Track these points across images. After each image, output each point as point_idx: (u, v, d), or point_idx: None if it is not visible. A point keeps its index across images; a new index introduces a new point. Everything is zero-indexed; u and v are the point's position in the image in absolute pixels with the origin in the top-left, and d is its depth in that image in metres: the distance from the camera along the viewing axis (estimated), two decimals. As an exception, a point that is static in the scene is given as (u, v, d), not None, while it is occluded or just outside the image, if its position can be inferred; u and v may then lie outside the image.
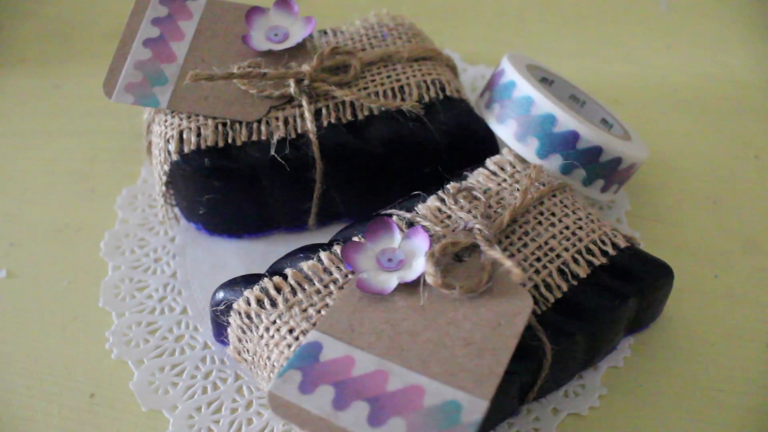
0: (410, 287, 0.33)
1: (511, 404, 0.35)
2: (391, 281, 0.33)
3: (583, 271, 0.35)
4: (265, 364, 0.34)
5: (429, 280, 0.32)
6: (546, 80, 0.44)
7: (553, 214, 0.37)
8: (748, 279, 0.41)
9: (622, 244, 0.37)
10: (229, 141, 0.39)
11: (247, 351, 0.35)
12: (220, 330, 0.37)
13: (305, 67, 0.40)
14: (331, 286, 0.34)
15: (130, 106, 0.48)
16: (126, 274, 0.42)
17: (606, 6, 0.58)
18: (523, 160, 0.39)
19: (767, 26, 0.56)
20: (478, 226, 0.35)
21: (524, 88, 0.39)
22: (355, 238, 0.36)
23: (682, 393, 0.37)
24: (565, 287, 0.35)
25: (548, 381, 0.35)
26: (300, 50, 0.41)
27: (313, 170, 0.39)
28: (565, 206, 0.37)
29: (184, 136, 0.39)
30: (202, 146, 0.39)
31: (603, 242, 0.36)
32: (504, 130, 0.40)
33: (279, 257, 0.37)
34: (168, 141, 0.39)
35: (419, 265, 0.33)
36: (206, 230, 0.43)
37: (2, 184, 0.46)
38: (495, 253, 0.32)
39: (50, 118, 0.50)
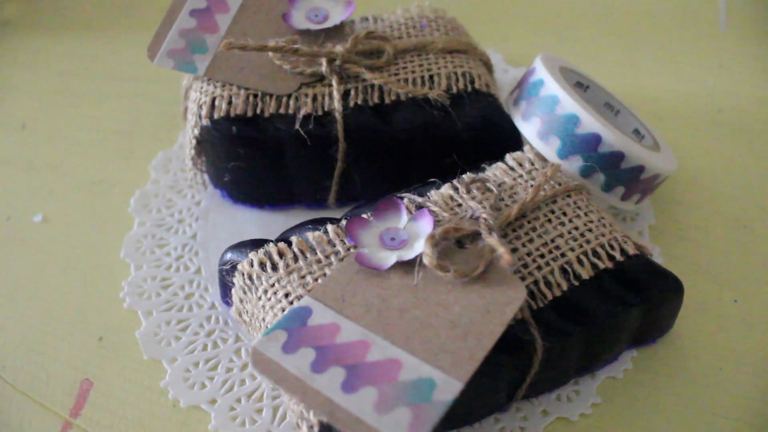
0: (407, 267, 0.33)
1: (498, 398, 0.35)
2: (390, 259, 0.34)
3: (586, 273, 0.35)
4: (260, 325, 0.35)
5: (425, 260, 0.32)
6: (581, 85, 0.43)
7: (564, 214, 0.36)
8: (771, 308, 0.40)
9: (631, 251, 0.36)
10: (258, 112, 0.40)
11: (247, 312, 0.36)
12: (225, 290, 0.38)
13: (339, 48, 0.41)
14: (332, 258, 0.35)
15: (175, 76, 0.50)
16: (150, 231, 0.43)
17: (661, 22, 0.57)
18: (542, 159, 0.39)
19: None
20: (484, 215, 0.35)
21: (552, 87, 0.39)
22: (363, 215, 0.36)
23: (678, 413, 0.36)
24: (565, 286, 0.34)
25: (540, 381, 0.35)
26: (337, 32, 0.42)
27: (335, 148, 0.40)
28: (578, 207, 0.37)
29: (216, 103, 0.41)
30: (232, 114, 0.40)
31: (611, 247, 0.36)
32: (528, 127, 0.40)
33: (293, 229, 0.38)
34: (201, 106, 0.41)
35: (419, 246, 0.34)
36: (230, 197, 0.44)
37: (51, 137, 0.49)
38: (492, 240, 0.32)
39: (103, 81, 0.53)
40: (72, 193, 0.46)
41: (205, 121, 0.40)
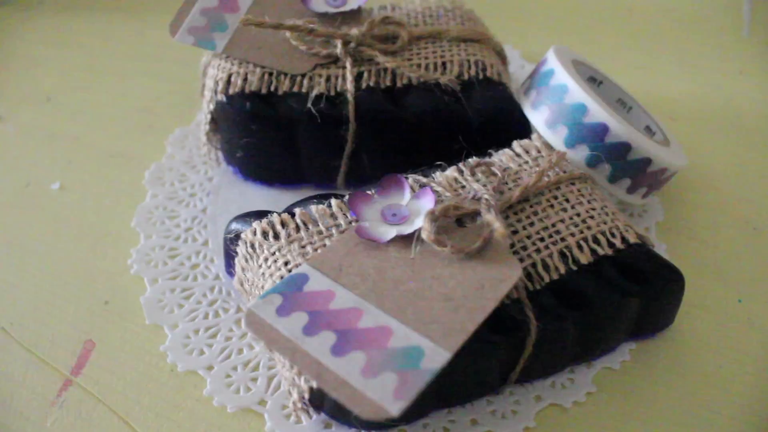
0: (406, 242, 0.34)
1: (491, 380, 0.35)
2: (389, 232, 0.34)
3: (584, 258, 0.35)
4: (259, 293, 0.35)
5: (423, 234, 0.33)
6: (594, 80, 0.44)
7: (567, 200, 0.37)
8: (775, 310, 0.39)
9: (633, 239, 0.36)
10: (272, 89, 0.41)
11: (248, 281, 0.37)
12: (230, 261, 0.39)
13: (354, 31, 0.41)
14: (333, 230, 0.35)
15: (196, 58, 0.52)
16: (161, 203, 0.44)
17: (683, 25, 0.56)
18: (549, 147, 0.39)
19: None
20: (486, 196, 0.35)
21: (561, 76, 0.39)
22: (368, 192, 0.37)
23: (675, 407, 0.35)
24: (563, 270, 0.34)
25: (534, 365, 0.35)
26: (354, 16, 0.43)
27: (345, 129, 0.41)
28: (582, 195, 0.37)
29: (232, 79, 0.41)
30: (246, 91, 0.41)
31: (612, 234, 0.36)
32: (537, 116, 0.40)
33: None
34: (217, 82, 0.42)
35: (419, 222, 0.34)
36: (242, 174, 0.45)
37: (73, 111, 0.51)
38: (488, 216, 0.33)
39: (128, 60, 0.55)
40: (90, 164, 0.47)
41: (221, 96, 0.41)
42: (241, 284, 0.38)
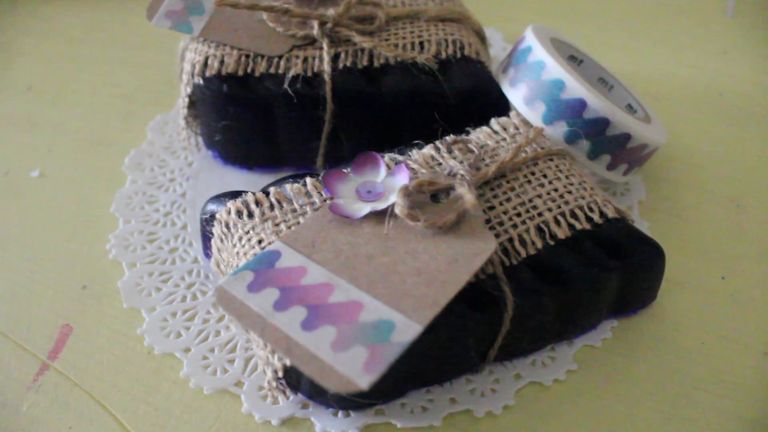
0: (380, 218, 0.33)
1: (469, 357, 0.34)
2: (363, 209, 0.34)
3: (562, 233, 0.34)
4: (234, 273, 0.35)
5: (396, 209, 0.32)
6: (574, 59, 0.43)
7: (544, 176, 0.36)
8: (757, 286, 0.39)
9: (611, 214, 0.35)
10: (249, 71, 0.41)
11: (223, 262, 0.36)
12: (206, 242, 0.38)
13: (331, 12, 0.41)
14: (308, 208, 0.35)
15: (177, 45, 0.51)
16: (141, 188, 0.44)
17: (666, 7, 0.56)
18: (528, 124, 0.39)
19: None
20: (462, 172, 0.34)
21: (539, 53, 0.39)
22: (343, 170, 0.36)
23: (657, 385, 0.35)
24: (540, 245, 0.34)
25: (513, 343, 0.34)
26: (332, -2, 0.43)
27: (323, 110, 0.41)
28: (560, 170, 0.37)
29: (209, 62, 0.41)
30: (223, 72, 0.41)
31: (590, 209, 0.35)
32: (515, 93, 0.40)
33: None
34: (194, 65, 0.42)
35: (393, 198, 0.34)
36: (221, 159, 0.45)
37: (54, 99, 0.51)
38: (461, 189, 0.32)
39: (109, 48, 0.54)
40: (70, 151, 0.47)
41: (197, 79, 0.41)
42: (218, 265, 0.37)
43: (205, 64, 0.41)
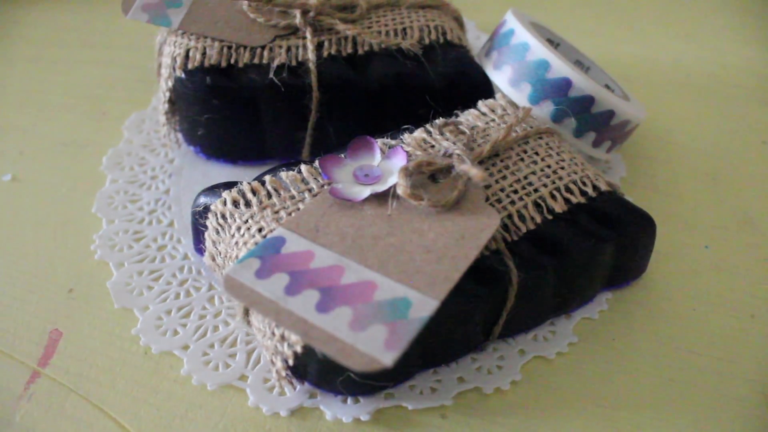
0: (381, 200, 0.33)
1: (474, 334, 0.34)
2: (364, 192, 0.34)
3: (559, 207, 0.35)
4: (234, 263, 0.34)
5: (398, 190, 0.33)
6: (552, 42, 0.44)
7: (536, 153, 0.37)
8: (739, 254, 0.40)
9: (604, 187, 0.36)
10: (232, 62, 0.40)
11: (220, 254, 0.36)
12: (198, 237, 0.38)
13: (313, 0, 0.41)
14: (306, 194, 0.35)
15: (149, 43, 0.51)
16: (122, 188, 0.43)
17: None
18: (514, 105, 0.39)
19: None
20: (457, 152, 0.35)
21: (522, 35, 0.39)
22: (338, 155, 0.36)
23: (654, 351, 0.36)
24: (539, 219, 0.34)
25: (516, 318, 0.35)
26: (311, -13, 0.43)
27: (309, 98, 0.40)
28: (550, 148, 0.37)
29: (190, 54, 0.40)
30: (206, 65, 0.40)
31: (584, 183, 0.36)
32: (499, 76, 0.40)
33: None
34: (175, 59, 0.41)
35: (393, 179, 0.34)
36: (204, 154, 0.44)
37: (22, 102, 0.49)
38: (464, 166, 0.33)
39: (77, 49, 0.53)
40: (42, 154, 0.45)
41: (179, 72, 0.40)
42: (213, 259, 0.37)
43: (187, 56, 0.41)
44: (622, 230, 0.35)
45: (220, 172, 0.44)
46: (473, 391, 0.34)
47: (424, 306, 0.28)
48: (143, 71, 0.50)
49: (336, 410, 0.33)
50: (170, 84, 0.41)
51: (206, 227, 0.36)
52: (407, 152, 0.36)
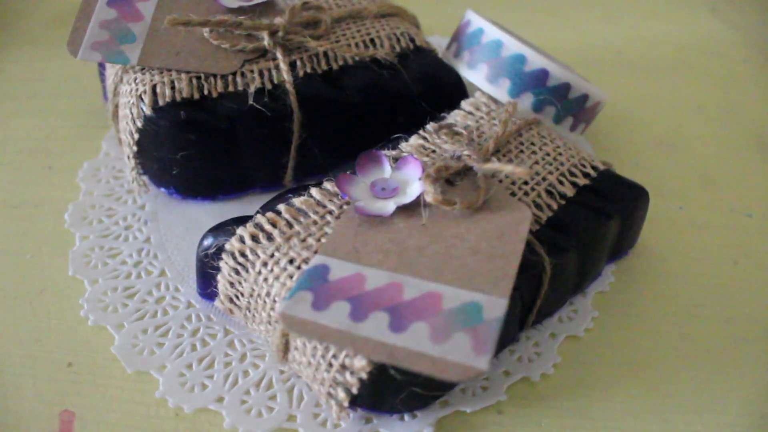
0: (409, 210, 0.33)
1: (513, 327, 0.35)
2: (388, 206, 0.33)
3: (569, 191, 0.36)
4: (265, 302, 0.32)
5: (429, 198, 0.32)
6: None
7: (532, 144, 0.38)
8: (708, 209, 0.44)
9: (601, 166, 0.38)
10: (205, 93, 0.38)
11: (242, 294, 0.34)
12: (206, 281, 0.35)
13: (279, 20, 0.40)
14: (328, 217, 0.33)
15: (82, 86, 0.47)
16: (96, 243, 0.39)
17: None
18: (496, 101, 0.40)
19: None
20: (466, 152, 0.35)
21: (493, 33, 0.40)
22: (348, 173, 0.35)
23: (667, 311, 0.38)
24: (555, 205, 0.36)
25: (545, 304, 0.36)
26: (269, 8, 0.41)
27: (290, 120, 0.39)
28: (543, 137, 0.39)
29: (158, 90, 0.38)
30: (177, 99, 0.38)
31: (583, 165, 0.38)
32: (475, 74, 0.41)
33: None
34: (140, 97, 0.38)
35: (415, 189, 0.33)
36: (178, 194, 0.41)
37: (-52, 168, 0.43)
38: (492, 165, 0.33)
39: (7, 102, 0.47)
40: (-11, 221, 0.41)
41: (149, 111, 0.38)
42: (231, 301, 0.35)
43: (154, 92, 0.38)
44: (624, 204, 0.37)
45: (200, 210, 0.41)
46: (521, 382, 0.35)
47: (494, 306, 0.29)
48: (82, 116, 0.46)
49: (398, 429, 0.33)
50: (138, 125, 0.38)
51: (218, 269, 0.34)
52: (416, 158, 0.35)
